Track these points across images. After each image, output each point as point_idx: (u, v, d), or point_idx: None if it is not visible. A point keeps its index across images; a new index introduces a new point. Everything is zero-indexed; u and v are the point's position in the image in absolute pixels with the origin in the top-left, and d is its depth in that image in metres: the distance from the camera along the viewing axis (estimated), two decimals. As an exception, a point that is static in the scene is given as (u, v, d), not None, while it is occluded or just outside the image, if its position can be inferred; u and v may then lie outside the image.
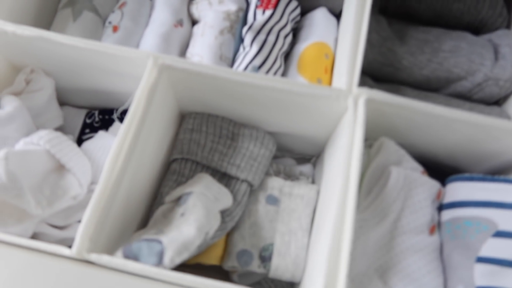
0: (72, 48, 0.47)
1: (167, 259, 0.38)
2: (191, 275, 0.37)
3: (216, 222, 0.46)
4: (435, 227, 0.47)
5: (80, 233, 0.38)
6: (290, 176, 0.57)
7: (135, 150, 0.43)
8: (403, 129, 0.49)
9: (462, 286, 0.43)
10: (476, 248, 0.44)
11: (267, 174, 0.55)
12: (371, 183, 0.47)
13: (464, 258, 0.44)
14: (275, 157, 0.59)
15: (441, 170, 0.52)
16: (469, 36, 0.55)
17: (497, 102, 0.56)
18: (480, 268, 0.43)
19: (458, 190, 0.48)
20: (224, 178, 0.53)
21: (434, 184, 0.48)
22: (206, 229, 0.43)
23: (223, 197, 0.49)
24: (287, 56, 0.60)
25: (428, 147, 0.52)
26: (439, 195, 0.48)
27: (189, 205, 0.45)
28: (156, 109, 0.46)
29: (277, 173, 0.57)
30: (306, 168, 0.59)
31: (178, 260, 0.39)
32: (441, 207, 0.49)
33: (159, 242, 0.39)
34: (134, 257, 0.39)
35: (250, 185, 0.53)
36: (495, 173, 0.52)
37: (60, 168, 0.47)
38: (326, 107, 0.46)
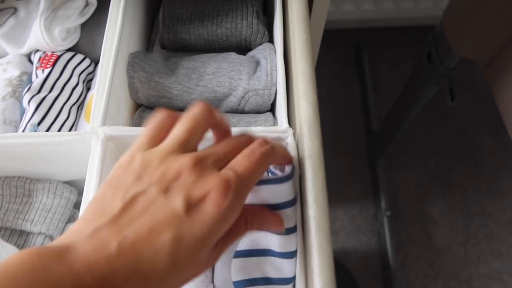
0: None
1: None
2: None
3: None
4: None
5: None
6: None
7: None
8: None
9: (223, 283, 0.45)
10: (237, 243, 0.47)
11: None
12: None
13: (225, 256, 0.47)
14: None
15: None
16: (231, 56, 0.60)
17: (272, 109, 0.61)
18: (236, 263, 0.45)
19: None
20: (22, 235, 0.55)
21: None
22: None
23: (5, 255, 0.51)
24: (85, 105, 0.63)
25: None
26: None
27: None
28: None
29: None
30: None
31: None
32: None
33: None
34: None
35: (49, 236, 0.55)
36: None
37: None
38: (77, 150, 0.50)
